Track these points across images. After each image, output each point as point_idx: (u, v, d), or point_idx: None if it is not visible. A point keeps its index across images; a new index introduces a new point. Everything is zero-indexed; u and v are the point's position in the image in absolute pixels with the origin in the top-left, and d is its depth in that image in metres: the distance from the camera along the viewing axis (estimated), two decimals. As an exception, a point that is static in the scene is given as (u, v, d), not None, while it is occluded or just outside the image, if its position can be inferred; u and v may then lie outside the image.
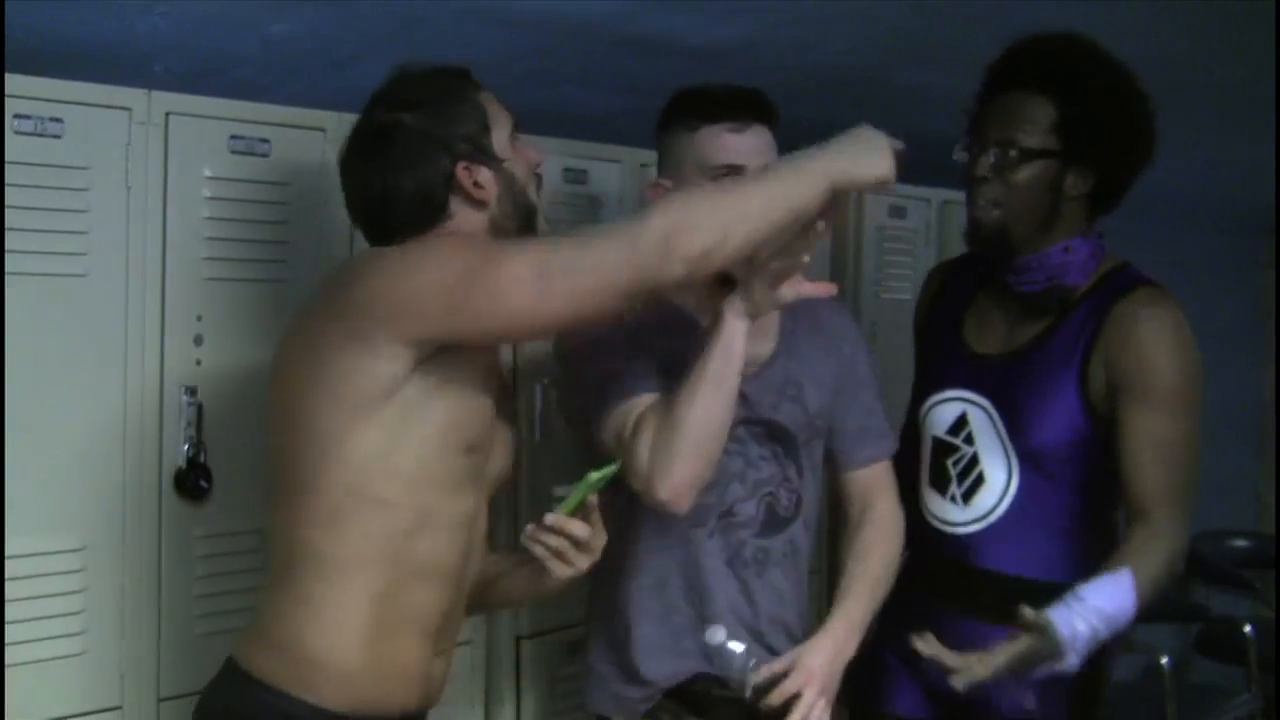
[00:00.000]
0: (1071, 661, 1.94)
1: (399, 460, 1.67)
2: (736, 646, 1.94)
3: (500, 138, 1.80)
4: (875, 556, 2.14)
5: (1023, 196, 2.11)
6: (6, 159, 1.84)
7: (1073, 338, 2.14)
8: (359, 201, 1.80)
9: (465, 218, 1.78)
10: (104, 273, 1.96)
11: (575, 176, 2.54)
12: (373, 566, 1.69)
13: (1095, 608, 1.96)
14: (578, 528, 1.74)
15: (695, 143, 1.99)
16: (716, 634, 1.94)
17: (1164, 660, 3.71)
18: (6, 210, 1.84)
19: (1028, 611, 1.92)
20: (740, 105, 2.00)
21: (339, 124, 2.16)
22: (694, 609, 2.07)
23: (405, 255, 1.69)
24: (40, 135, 1.88)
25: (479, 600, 1.92)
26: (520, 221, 1.82)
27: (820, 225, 1.82)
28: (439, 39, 2.42)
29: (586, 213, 2.57)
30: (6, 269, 1.84)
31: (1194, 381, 2.10)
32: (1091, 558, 2.15)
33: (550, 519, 1.73)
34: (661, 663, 2.07)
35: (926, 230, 3.31)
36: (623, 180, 2.63)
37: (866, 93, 2.94)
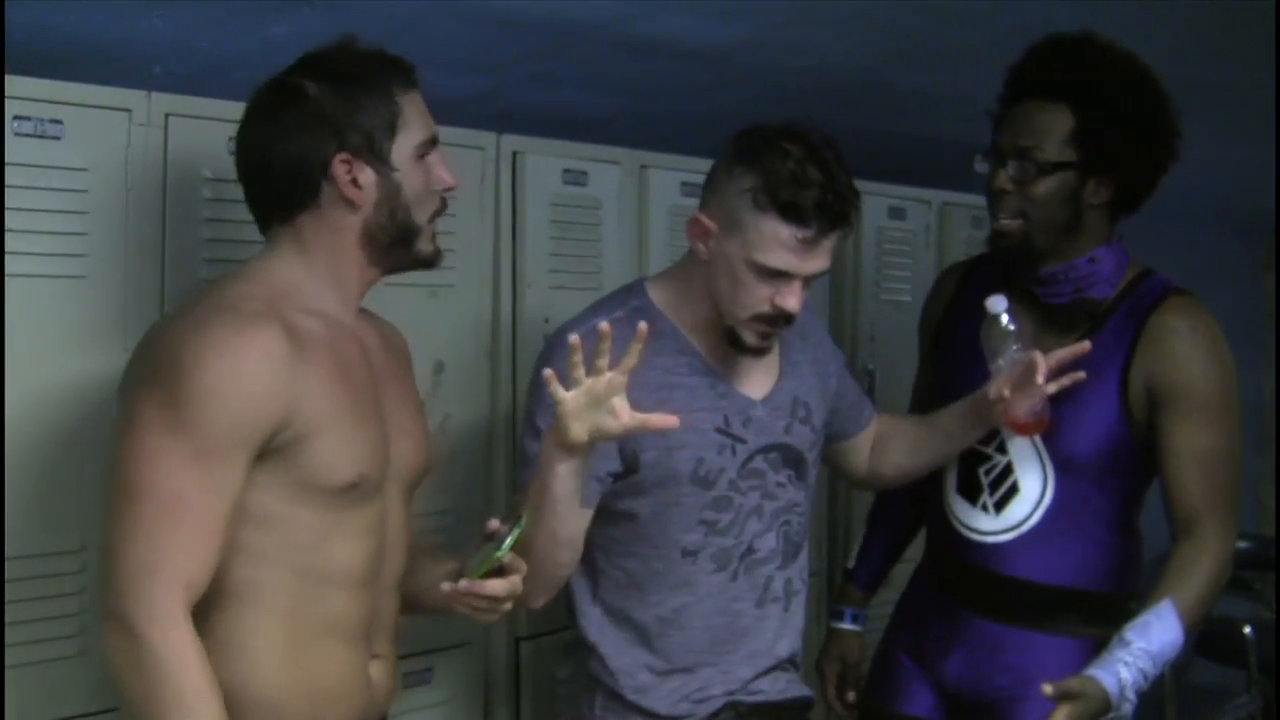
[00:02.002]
0: (1126, 711, 1.96)
1: (278, 487, 1.60)
2: (1010, 325, 2.02)
3: (405, 145, 1.69)
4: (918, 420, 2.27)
5: (1043, 209, 2.10)
6: (6, 160, 1.84)
7: (1108, 348, 2.13)
8: (239, 162, 1.71)
9: (336, 214, 1.68)
10: (104, 274, 1.96)
11: (575, 178, 2.54)
12: (272, 586, 1.62)
13: (1142, 650, 1.98)
14: (496, 588, 1.69)
15: (762, 232, 1.84)
16: (999, 303, 2.00)
17: (1164, 661, 3.70)
18: (6, 211, 1.84)
19: (1048, 689, 1.91)
20: (836, 216, 1.85)
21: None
22: (730, 653, 2.02)
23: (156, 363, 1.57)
24: (40, 137, 1.88)
25: (414, 604, 1.87)
26: (395, 238, 1.71)
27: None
28: (439, 40, 2.42)
29: (587, 214, 2.57)
30: (6, 270, 1.84)
31: (1233, 390, 2.14)
32: (1120, 563, 2.20)
33: (464, 587, 1.67)
34: (686, 703, 2.01)
35: (926, 232, 3.31)
36: (622, 182, 2.63)
37: (866, 94, 2.94)
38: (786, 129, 1.87)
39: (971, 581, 2.23)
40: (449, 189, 1.75)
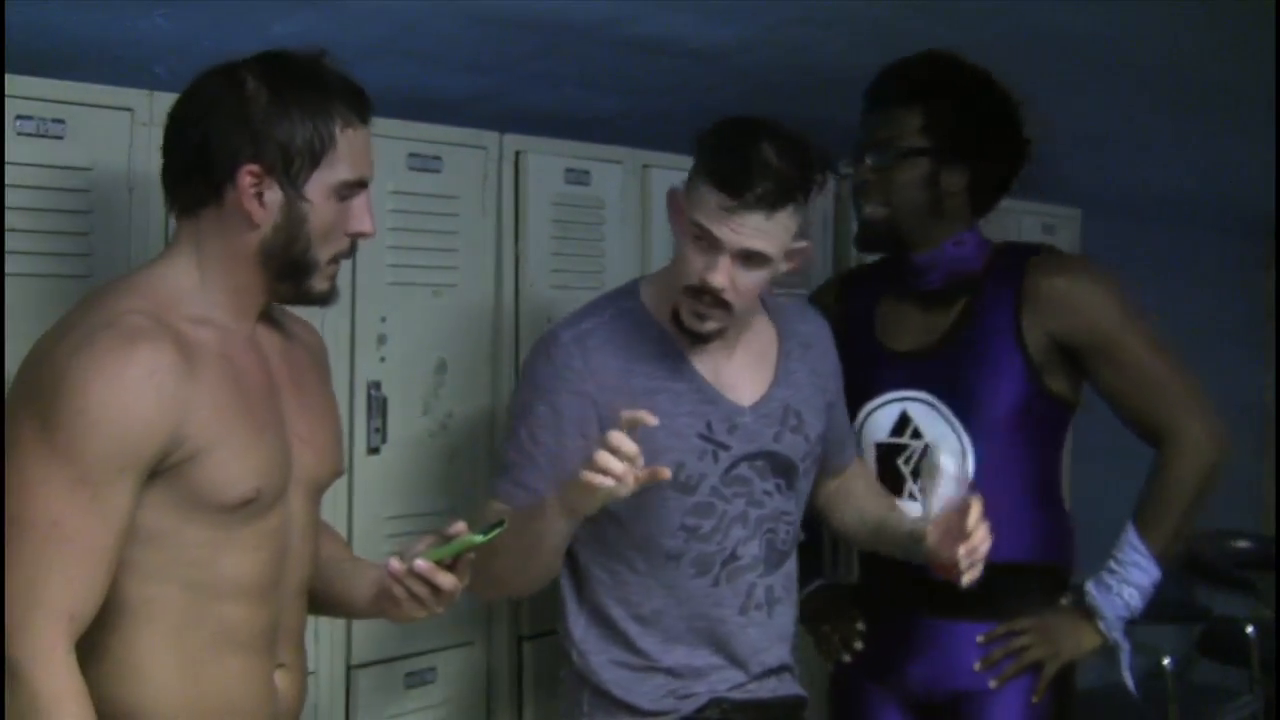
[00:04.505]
0: (1115, 633, 2.23)
1: (169, 504, 1.54)
2: (951, 471, 2.02)
3: (325, 179, 1.59)
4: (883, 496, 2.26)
5: (904, 193, 2.23)
6: (8, 160, 1.84)
7: (993, 312, 2.25)
8: (164, 132, 1.62)
9: (234, 224, 1.59)
10: (105, 274, 1.95)
11: (577, 178, 2.54)
12: (164, 602, 1.55)
13: (1115, 577, 2.21)
14: (446, 581, 1.66)
15: (701, 194, 1.88)
16: (949, 463, 2.01)
17: (1166, 661, 3.71)
18: (8, 211, 1.84)
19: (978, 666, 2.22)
20: (762, 192, 1.85)
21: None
22: (715, 655, 2.02)
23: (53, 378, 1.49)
24: (42, 136, 1.88)
25: (334, 607, 1.85)
26: (288, 268, 1.61)
27: None
28: (441, 40, 2.43)
29: (589, 214, 2.57)
30: (7, 269, 1.84)
31: (1126, 300, 2.25)
32: (1050, 532, 2.30)
33: (421, 566, 1.65)
34: (670, 699, 2.02)
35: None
36: (624, 181, 2.63)
37: (867, 94, 2.94)
38: (756, 116, 1.91)
39: (914, 579, 2.22)
40: (363, 235, 1.66)
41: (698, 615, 2.01)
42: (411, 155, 2.31)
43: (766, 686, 2.07)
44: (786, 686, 2.11)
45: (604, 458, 1.72)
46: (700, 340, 1.96)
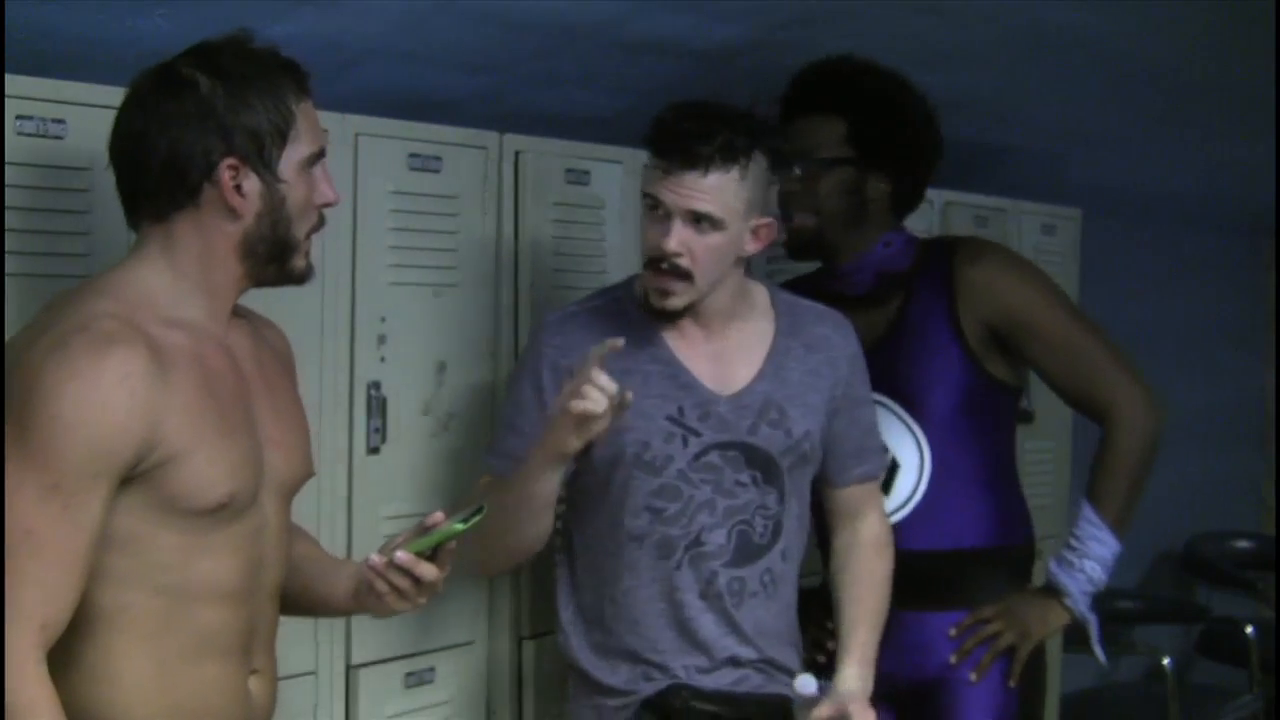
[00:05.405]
0: (1079, 607, 2.29)
1: (141, 509, 1.53)
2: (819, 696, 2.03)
3: (293, 157, 1.60)
4: (878, 579, 2.21)
5: (830, 201, 2.31)
6: (8, 160, 1.84)
7: (928, 306, 2.32)
8: (114, 150, 1.61)
9: (214, 219, 1.59)
10: (106, 273, 1.96)
11: (577, 178, 2.54)
12: (137, 608, 1.54)
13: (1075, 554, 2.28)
14: (428, 572, 1.66)
15: (648, 167, 2.00)
16: (807, 685, 2.01)
17: (1166, 661, 3.71)
18: (8, 211, 1.84)
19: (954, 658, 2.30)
20: (689, 152, 1.95)
21: (341, 125, 2.16)
22: (678, 639, 2.06)
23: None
24: (42, 136, 1.88)
25: (309, 607, 1.84)
26: (272, 252, 1.62)
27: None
28: (441, 40, 2.43)
29: (589, 213, 2.57)
30: (7, 270, 1.84)
31: (1049, 282, 2.37)
32: (1008, 514, 2.38)
33: (402, 558, 1.65)
34: (638, 677, 2.06)
35: (929, 231, 3.31)
36: (624, 181, 2.63)
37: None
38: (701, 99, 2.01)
39: None
40: (329, 204, 1.67)
41: (660, 596, 2.05)
42: (411, 155, 2.31)
43: (734, 678, 2.08)
44: (764, 684, 2.11)
45: (585, 388, 1.80)
46: (667, 317, 2.03)
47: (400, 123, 2.29)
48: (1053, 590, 2.32)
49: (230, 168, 1.56)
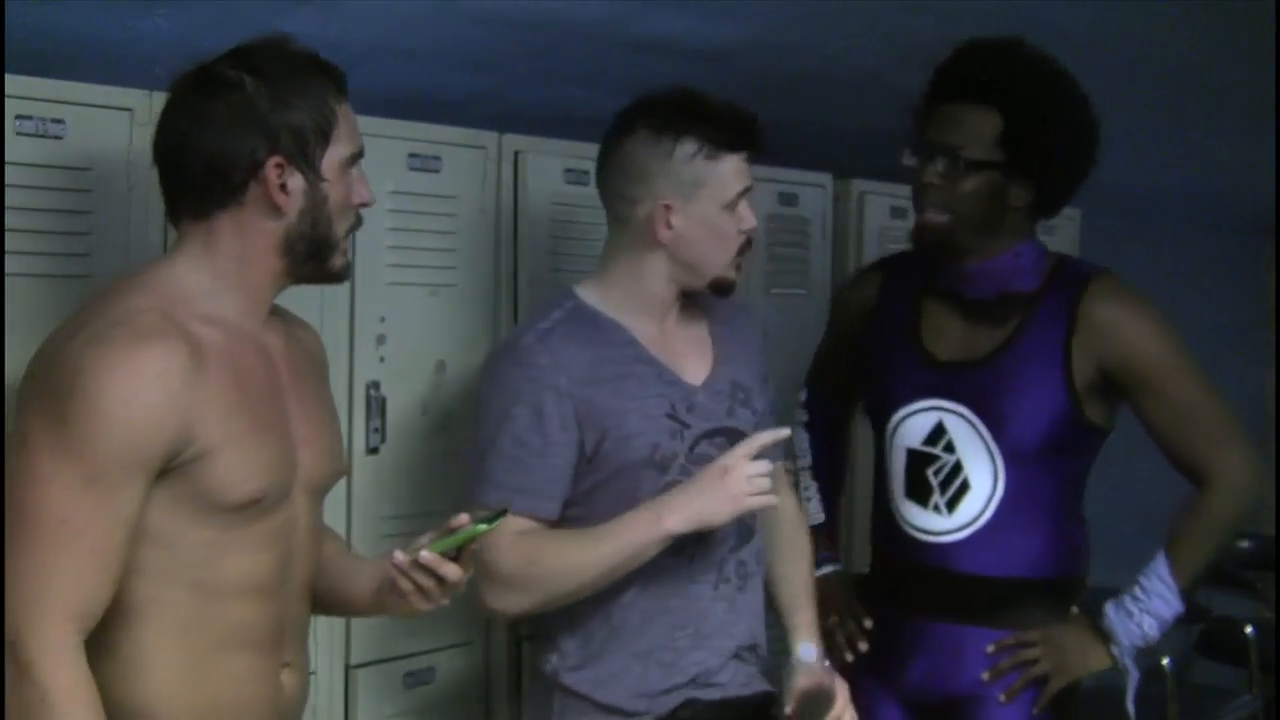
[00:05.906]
0: (1124, 659, 2.23)
1: (174, 503, 1.54)
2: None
3: (334, 156, 1.63)
4: (802, 552, 2.23)
5: (968, 205, 2.16)
6: (8, 160, 1.84)
7: (1044, 335, 2.20)
8: (157, 148, 1.63)
9: (257, 217, 1.61)
10: (105, 274, 1.95)
11: (577, 178, 2.54)
12: (169, 602, 1.56)
13: (1139, 601, 2.20)
14: (452, 572, 1.67)
15: (718, 171, 1.99)
16: (810, 653, 2.08)
17: (1165, 661, 3.71)
18: (8, 211, 1.84)
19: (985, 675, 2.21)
20: (755, 136, 2.02)
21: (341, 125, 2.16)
22: (685, 637, 2.04)
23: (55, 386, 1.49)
24: (42, 136, 1.88)
25: (334, 606, 1.86)
26: (312, 250, 1.65)
27: None
28: (440, 40, 2.43)
29: (588, 213, 2.57)
30: (7, 269, 1.84)
31: (1178, 341, 2.23)
32: (1069, 548, 2.28)
33: (426, 557, 1.66)
34: (644, 698, 2.02)
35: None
36: (624, 181, 2.63)
37: (865, 94, 2.94)
38: (669, 94, 2.02)
39: (926, 585, 2.25)
40: (366, 205, 1.70)
41: (671, 593, 2.03)
42: (411, 155, 2.31)
43: (738, 680, 2.07)
44: (757, 683, 2.11)
45: (756, 480, 1.93)
46: (729, 291, 2.07)
47: (400, 123, 2.29)
48: (1101, 632, 2.23)
49: (276, 166, 1.59)
